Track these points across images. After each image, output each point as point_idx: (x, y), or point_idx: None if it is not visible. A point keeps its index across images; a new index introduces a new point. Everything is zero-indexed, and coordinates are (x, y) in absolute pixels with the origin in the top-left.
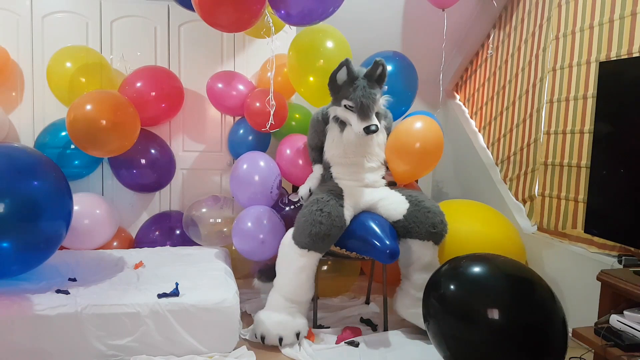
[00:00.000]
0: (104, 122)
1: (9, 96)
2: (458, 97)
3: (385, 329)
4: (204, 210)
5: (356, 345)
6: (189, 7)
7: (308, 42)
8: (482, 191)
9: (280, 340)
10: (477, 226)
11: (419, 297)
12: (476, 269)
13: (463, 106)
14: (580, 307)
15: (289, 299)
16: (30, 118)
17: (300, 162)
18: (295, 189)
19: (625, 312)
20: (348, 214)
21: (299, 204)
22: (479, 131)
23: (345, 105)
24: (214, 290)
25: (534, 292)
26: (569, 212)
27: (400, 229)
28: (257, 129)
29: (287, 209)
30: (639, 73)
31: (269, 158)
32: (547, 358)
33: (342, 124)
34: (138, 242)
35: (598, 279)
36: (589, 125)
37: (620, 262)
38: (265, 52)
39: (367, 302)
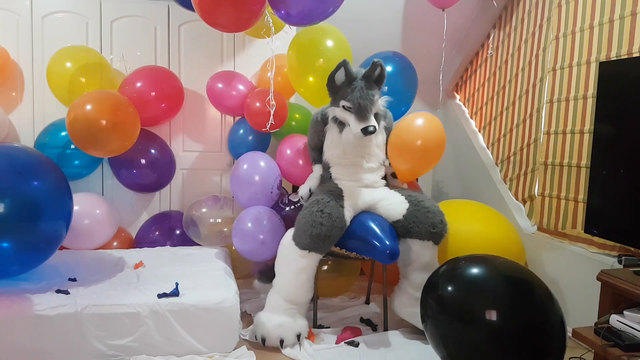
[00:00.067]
0: (104, 122)
1: (9, 96)
2: (458, 97)
3: (385, 329)
4: (204, 210)
5: (356, 345)
6: (189, 7)
7: (308, 41)
8: (482, 191)
9: (281, 342)
10: (477, 226)
11: (417, 296)
12: (474, 270)
13: (463, 106)
14: (580, 307)
15: (289, 300)
16: (30, 118)
17: (301, 162)
18: (295, 189)
19: (625, 312)
20: (348, 214)
21: (299, 204)
22: (479, 131)
23: (343, 106)
24: (214, 290)
25: (532, 293)
26: (569, 212)
27: (400, 229)
28: (257, 129)
29: (287, 209)
30: (639, 73)
31: (269, 158)
32: (545, 359)
33: (341, 125)
34: (138, 242)
35: (598, 279)
36: (589, 125)
37: (620, 262)
38: (265, 52)
39: (367, 302)
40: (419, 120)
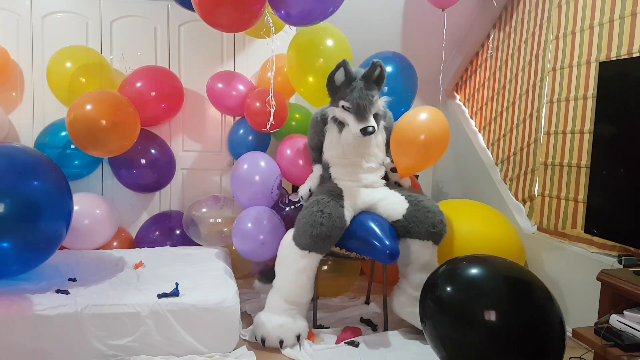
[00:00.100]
0: (104, 122)
1: (9, 96)
2: (458, 97)
3: (385, 329)
4: (204, 210)
5: (356, 345)
6: (189, 7)
7: (307, 41)
8: (482, 191)
9: (281, 343)
10: (477, 226)
11: (416, 296)
12: (473, 271)
13: (463, 106)
14: (580, 307)
15: (289, 300)
16: (30, 118)
17: (301, 162)
18: (295, 189)
19: (625, 312)
20: (348, 214)
21: (299, 204)
22: (479, 131)
23: (342, 106)
24: (214, 290)
25: (531, 293)
26: (569, 212)
27: (400, 229)
28: (257, 129)
29: (287, 209)
30: (639, 73)
31: (270, 158)
32: (544, 359)
33: (341, 125)
34: (138, 242)
35: (598, 279)
36: (589, 125)
37: (620, 262)
38: (265, 52)
39: (367, 302)
40: (422, 115)
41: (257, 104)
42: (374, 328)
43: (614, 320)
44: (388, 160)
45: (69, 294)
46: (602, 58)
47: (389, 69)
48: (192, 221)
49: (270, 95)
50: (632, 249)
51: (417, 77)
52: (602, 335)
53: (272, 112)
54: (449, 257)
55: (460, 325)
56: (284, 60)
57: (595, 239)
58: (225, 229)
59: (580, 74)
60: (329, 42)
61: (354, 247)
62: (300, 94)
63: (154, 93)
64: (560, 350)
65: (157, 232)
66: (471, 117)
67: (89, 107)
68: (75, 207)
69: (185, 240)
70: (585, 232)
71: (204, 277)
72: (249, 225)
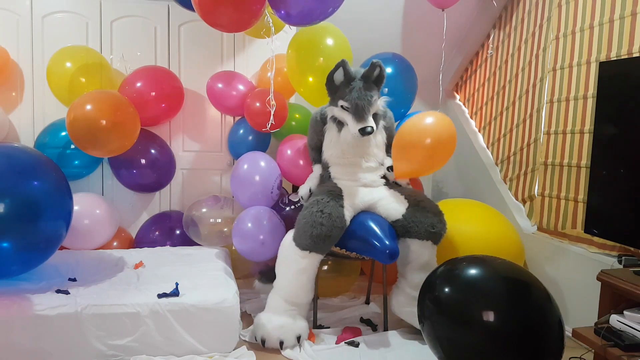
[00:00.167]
0: (104, 122)
1: (9, 96)
2: (458, 97)
3: (385, 329)
4: (204, 210)
5: (356, 345)
6: (189, 7)
7: (307, 40)
8: (482, 191)
9: (281, 344)
10: (477, 226)
11: (415, 296)
12: (471, 271)
13: (463, 106)
14: (580, 307)
15: (290, 301)
16: (30, 118)
17: (301, 162)
18: (295, 189)
19: (625, 312)
20: (348, 214)
21: (299, 204)
22: (479, 131)
23: (341, 106)
24: (214, 290)
25: (530, 294)
26: (568, 212)
27: (400, 229)
28: (257, 129)
29: (287, 209)
30: (639, 73)
31: (270, 158)
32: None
33: (340, 124)
34: (138, 242)
35: (598, 279)
36: (589, 125)
37: (620, 262)
38: (265, 52)
39: (367, 302)
40: (429, 119)
41: (257, 104)
42: (374, 328)
43: (614, 320)
44: (388, 160)
45: (69, 294)
46: (602, 58)
47: (388, 70)
48: (192, 221)
49: (270, 95)
50: (632, 249)
51: (416, 78)
52: (602, 335)
53: (272, 112)
54: (448, 257)
55: (458, 326)
56: (284, 61)
57: (595, 239)
58: (225, 229)
59: (580, 74)
60: (329, 41)
61: (354, 247)
62: (300, 94)
63: (154, 93)
64: (559, 351)
65: (157, 232)
66: (471, 117)
67: (89, 107)
68: (75, 207)
69: (185, 240)
70: (585, 232)
71: (204, 277)
72: (249, 225)
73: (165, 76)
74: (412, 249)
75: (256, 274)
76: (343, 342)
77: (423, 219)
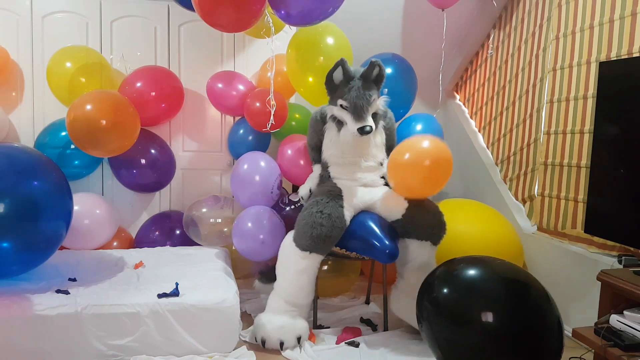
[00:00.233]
0: (104, 122)
1: (9, 96)
2: (458, 97)
3: (385, 329)
4: (204, 210)
5: (356, 345)
6: (189, 7)
7: (307, 39)
8: (482, 191)
9: (281, 344)
10: (476, 226)
11: (413, 296)
12: (470, 272)
13: (463, 106)
14: (580, 307)
15: (290, 302)
16: (30, 118)
17: (301, 162)
18: (295, 189)
19: (625, 312)
20: (348, 214)
21: (299, 204)
22: (479, 131)
23: (340, 105)
24: (214, 290)
25: (528, 295)
26: (568, 212)
27: (399, 229)
28: (257, 129)
29: (288, 209)
30: (639, 73)
31: (270, 158)
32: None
33: (340, 124)
34: (138, 242)
35: (598, 279)
36: (589, 125)
37: (620, 262)
38: (265, 52)
39: (367, 302)
40: (425, 142)
41: (257, 104)
42: (374, 328)
43: (614, 320)
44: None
45: (69, 294)
46: (602, 58)
47: (388, 70)
48: (192, 221)
49: (270, 95)
50: (632, 249)
51: (416, 79)
52: (602, 335)
53: (272, 112)
54: (448, 257)
55: (457, 327)
56: (284, 61)
57: (595, 239)
58: (225, 229)
59: (580, 74)
60: (329, 40)
61: (353, 247)
62: (300, 93)
63: (154, 93)
64: (558, 351)
65: (157, 232)
66: (471, 117)
67: (89, 107)
68: (75, 207)
69: (185, 240)
70: (585, 232)
71: (204, 277)
72: (249, 225)
73: (165, 76)
74: (411, 249)
75: (256, 274)
76: (343, 342)
77: (422, 220)
